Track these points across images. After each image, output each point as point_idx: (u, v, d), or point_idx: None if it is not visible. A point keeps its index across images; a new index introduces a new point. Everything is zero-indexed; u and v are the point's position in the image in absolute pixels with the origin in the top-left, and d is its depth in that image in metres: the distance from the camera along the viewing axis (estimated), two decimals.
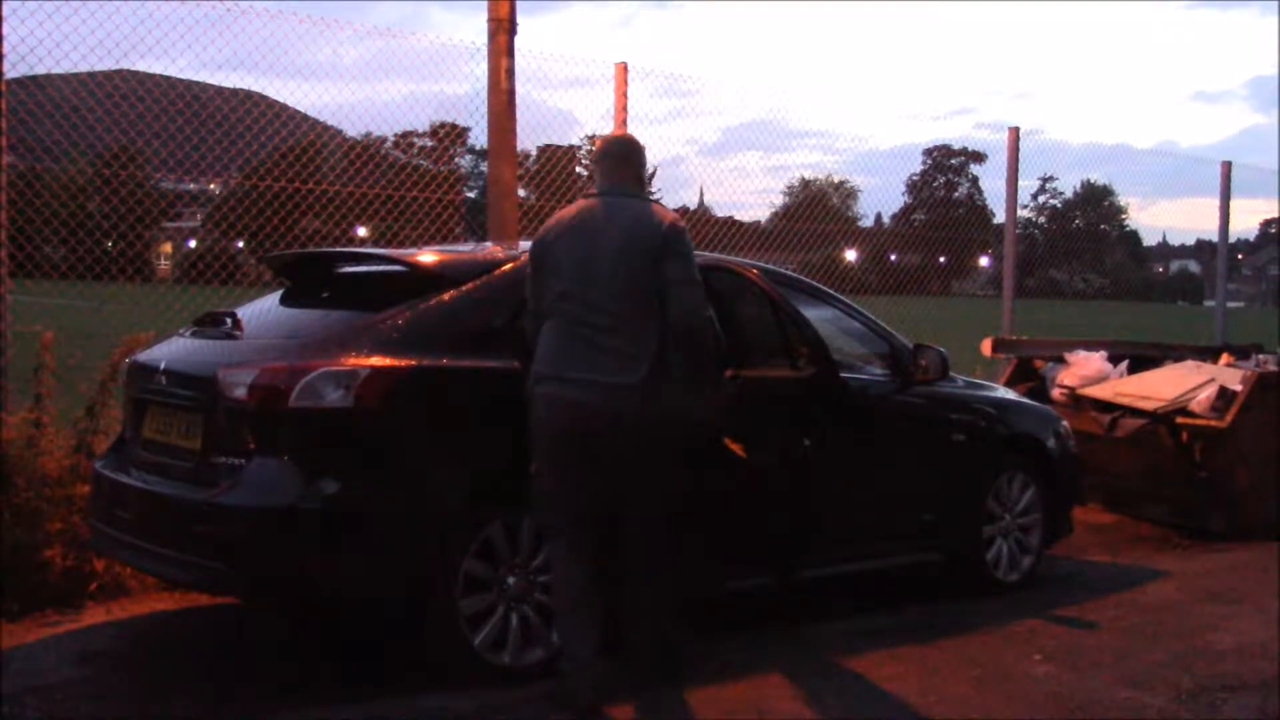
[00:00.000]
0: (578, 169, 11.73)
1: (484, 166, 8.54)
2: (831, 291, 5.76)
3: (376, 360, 4.07)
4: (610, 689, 4.06)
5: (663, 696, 4.13)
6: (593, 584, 4.06)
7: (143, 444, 4.58)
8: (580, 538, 4.06)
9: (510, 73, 6.69)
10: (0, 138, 5.46)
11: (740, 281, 5.15)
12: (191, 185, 9.44)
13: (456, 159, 12.44)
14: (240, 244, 9.29)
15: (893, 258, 13.95)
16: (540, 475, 4.08)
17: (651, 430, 4.01)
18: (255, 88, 7.87)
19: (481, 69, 6.75)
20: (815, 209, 12.10)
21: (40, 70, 5.91)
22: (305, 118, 8.12)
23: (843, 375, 5.30)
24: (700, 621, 4.99)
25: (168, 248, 11.57)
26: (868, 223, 16.99)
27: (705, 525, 4.60)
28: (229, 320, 4.59)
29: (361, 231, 8.25)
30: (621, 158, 4.40)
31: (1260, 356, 8.79)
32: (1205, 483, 7.35)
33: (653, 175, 13.99)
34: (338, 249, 6.25)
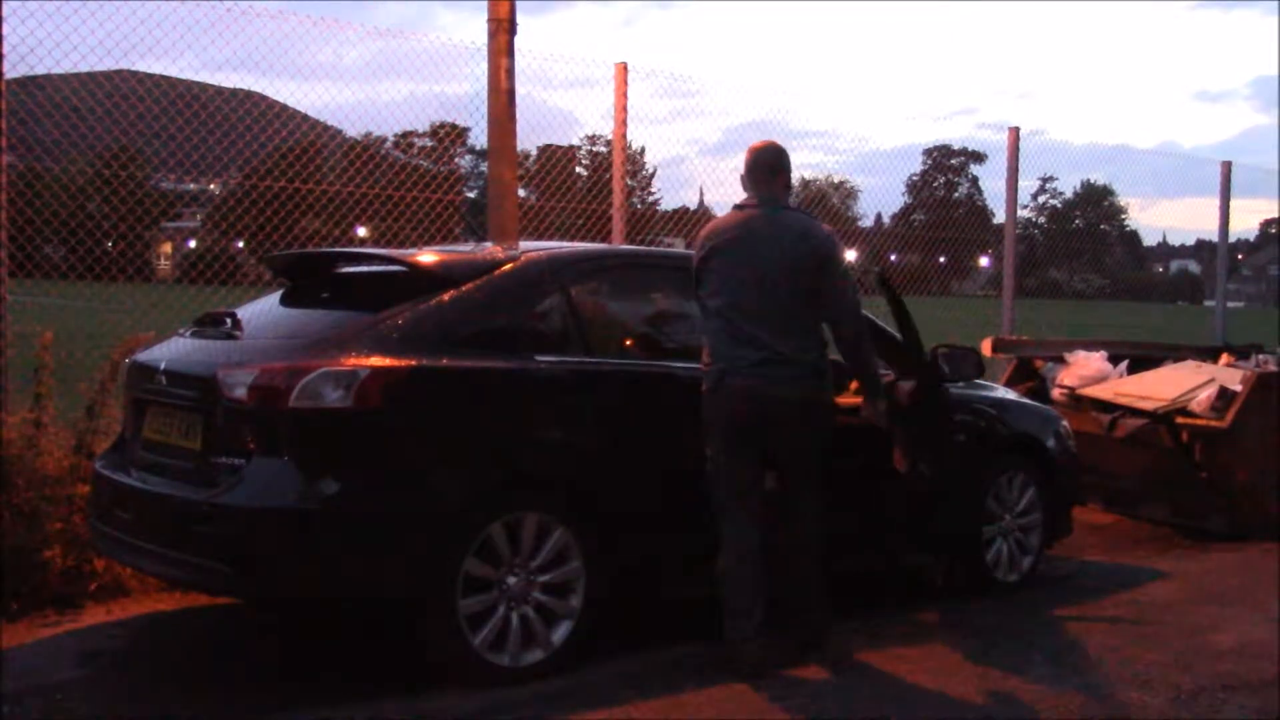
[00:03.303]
0: (578, 169, 11.73)
1: (484, 166, 8.54)
2: None
3: (376, 360, 4.07)
4: (774, 655, 4.46)
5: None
6: (755, 556, 4.49)
7: (143, 444, 4.58)
8: (743, 511, 4.51)
9: (510, 73, 6.69)
10: (0, 138, 5.47)
11: None
12: (191, 185, 9.43)
13: (456, 159, 12.44)
14: (240, 244, 9.28)
15: (893, 258, 13.94)
16: (714, 457, 4.55)
17: (801, 412, 4.52)
18: (256, 88, 7.87)
19: (482, 69, 6.76)
20: (815, 209, 12.10)
21: (40, 70, 5.92)
22: (305, 118, 8.12)
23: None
24: (700, 622, 5.00)
25: (168, 248, 11.56)
26: (868, 223, 16.98)
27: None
28: (229, 320, 4.59)
29: (361, 231, 8.25)
30: (775, 169, 4.70)
31: (1260, 356, 8.79)
32: (1205, 483, 7.34)
33: (653, 175, 14.03)
34: (338, 249, 6.25)
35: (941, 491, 5.30)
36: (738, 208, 4.73)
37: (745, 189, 4.75)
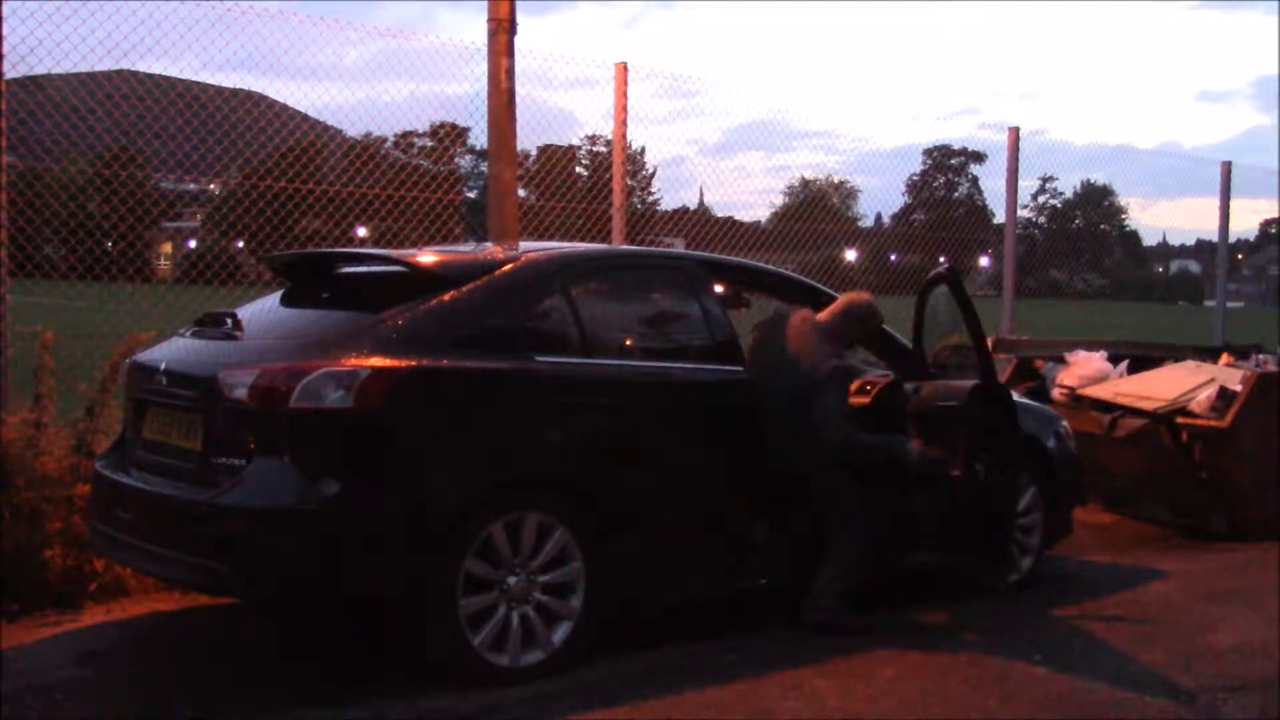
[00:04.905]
0: (578, 169, 11.73)
1: (484, 166, 8.54)
2: (827, 289, 5.76)
3: (376, 361, 4.07)
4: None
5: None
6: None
7: (143, 444, 4.58)
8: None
9: (510, 73, 6.69)
10: (0, 138, 5.47)
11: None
12: (191, 185, 9.42)
13: (456, 159, 12.44)
14: (240, 244, 9.28)
15: (893, 258, 13.93)
16: None
17: (811, 476, 5.08)
18: (256, 88, 7.88)
19: (482, 69, 6.76)
20: (815, 209, 12.12)
21: (40, 70, 5.91)
22: (305, 118, 8.11)
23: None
24: (701, 622, 5.00)
25: (168, 248, 11.54)
26: (868, 223, 17.00)
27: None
28: (229, 320, 4.59)
29: (362, 231, 8.25)
30: (857, 322, 5.28)
31: (1260, 356, 8.79)
32: (1205, 483, 7.34)
33: (653, 175, 14.03)
34: (338, 249, 6.25)
35: (989, 492, 5.27)
36: (794, 315, 5.20)
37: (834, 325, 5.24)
